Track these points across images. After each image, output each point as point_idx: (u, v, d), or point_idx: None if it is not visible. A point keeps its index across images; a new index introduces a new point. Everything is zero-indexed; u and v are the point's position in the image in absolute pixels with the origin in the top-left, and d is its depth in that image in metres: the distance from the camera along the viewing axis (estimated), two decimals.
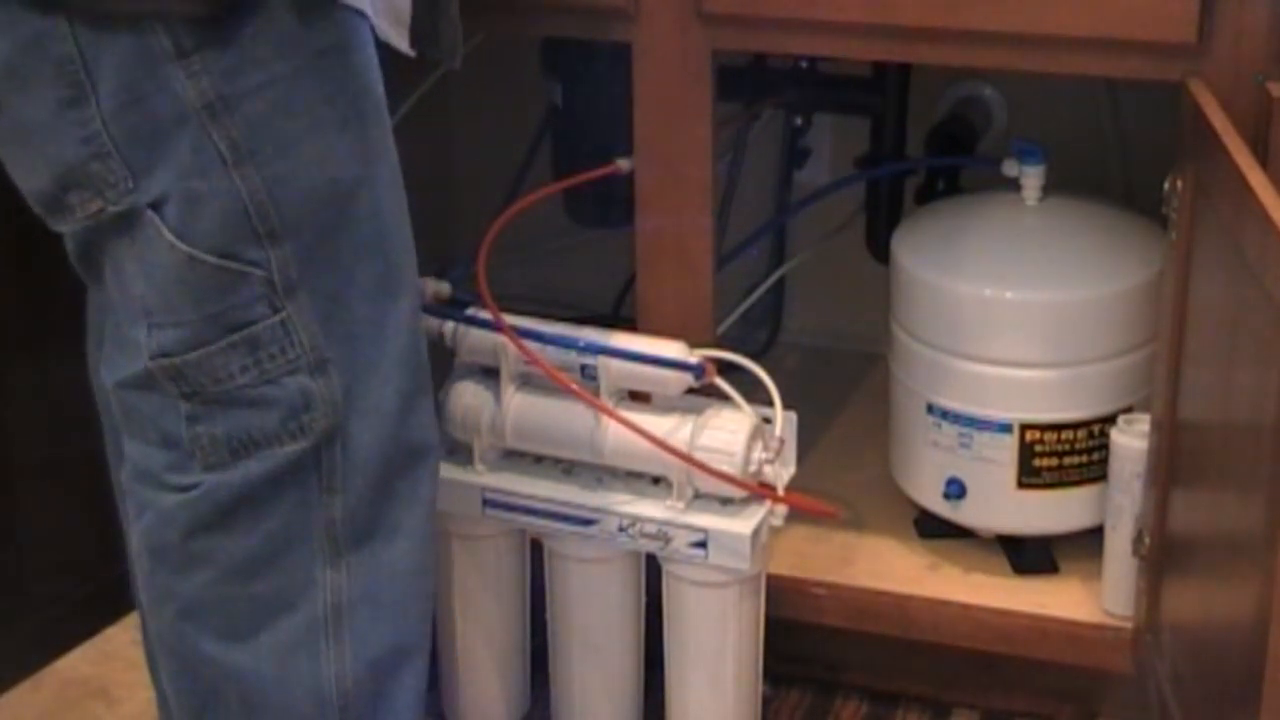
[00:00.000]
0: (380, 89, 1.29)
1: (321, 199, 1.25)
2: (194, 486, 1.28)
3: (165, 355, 1.25)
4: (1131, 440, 1.66)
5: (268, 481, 1.29)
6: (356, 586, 1.33)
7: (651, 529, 1.66)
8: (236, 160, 1.21)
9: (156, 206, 1.21)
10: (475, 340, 1.70)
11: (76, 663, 1.95)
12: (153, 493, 1.31)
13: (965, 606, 1.76)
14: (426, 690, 1.41)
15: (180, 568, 1.31)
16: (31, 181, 1.25)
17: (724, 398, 1.68)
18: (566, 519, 1.69)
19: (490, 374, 1.71)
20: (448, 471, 1.61)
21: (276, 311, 1.25)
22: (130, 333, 1.27)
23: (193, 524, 1.29)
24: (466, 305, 1.71)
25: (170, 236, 1.22)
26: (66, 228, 1.27)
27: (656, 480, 1.70)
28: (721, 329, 1.84)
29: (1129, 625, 1.69)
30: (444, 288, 1.73)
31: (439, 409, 1.59)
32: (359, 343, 1.30)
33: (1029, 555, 1.81)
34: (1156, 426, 1.60)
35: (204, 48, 1.19)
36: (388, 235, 1.31)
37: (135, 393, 1.29)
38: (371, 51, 1.27)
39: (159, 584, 1.32)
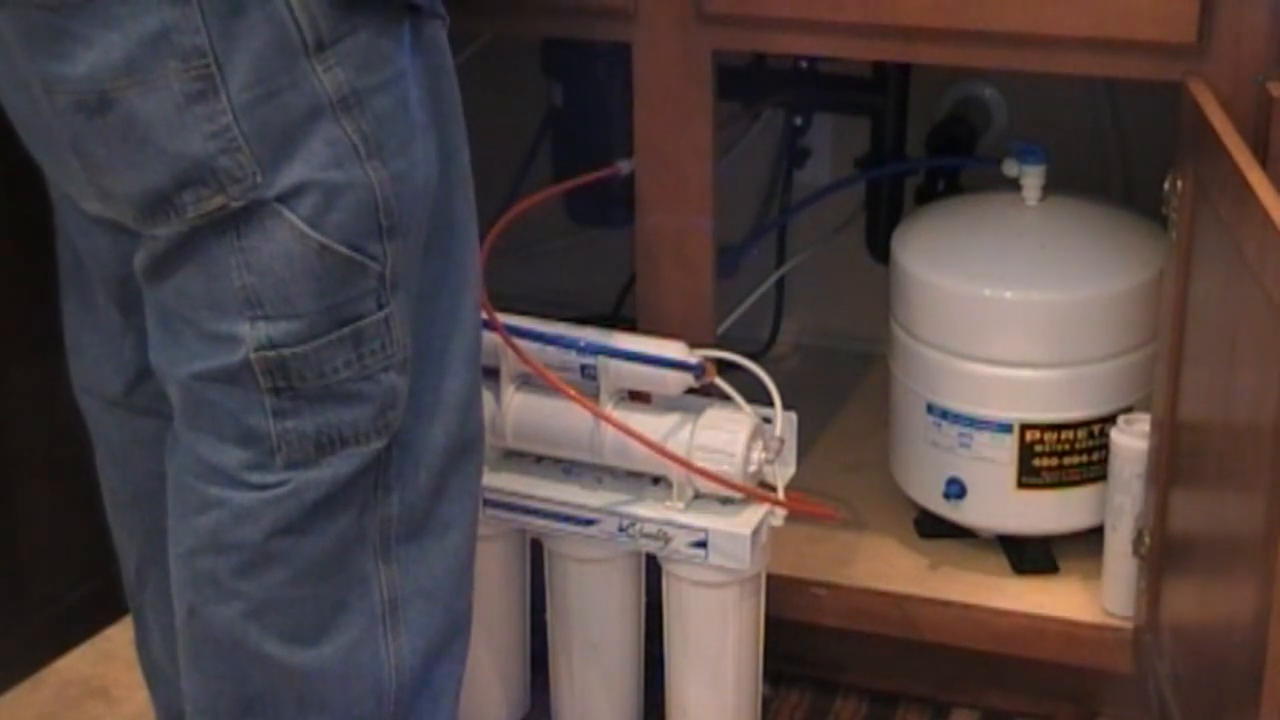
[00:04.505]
0: (457, 91, 1.32)
1: (424, 197, 1.27)
2: (277, 484, 1.26)
3: (273, 347, 1.23)
4: (1131, 440, 1.66)
5: (350, 479, 1.28)
6: (409, 581, 1.33)
7: (651, 529, 1.66)
8: (368, 154, 1.21)
9: (283, 199, 1.20)
10: None
11: (76, 663, 1.95)
12: (224, 490, 1.27)
13: (965, 606, 1.76)
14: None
15: (252, 567, 1.28)
16: (136, 182, 1.20)
17: (724, 398, 1.68)
18: (566, 519, 1.69)
19: (490, 374, 1.71)
20: None
21: (382, 307, 1.25)
22: (217, 327, 1.23)
23: (277, 523, 1.27)
24: None
25: (304, 227, 1.20)
26: (165, 229, 1.21)
27: (656, 480, 1.70)
28: (721, 329, 1.84)
29: (1129, 625, 1.69)
30: None
31: None
32: (432, 340, 1.31)
33: (1029, 555, 1.81)
34: (1156, 426, 1.60)
35: (339, 40, 1.19)
36: (460, 235, 1.33)
37: (216, 386, 1.25)
38: (449, 54, 1.30)
39: (223, 583, 1.29)
